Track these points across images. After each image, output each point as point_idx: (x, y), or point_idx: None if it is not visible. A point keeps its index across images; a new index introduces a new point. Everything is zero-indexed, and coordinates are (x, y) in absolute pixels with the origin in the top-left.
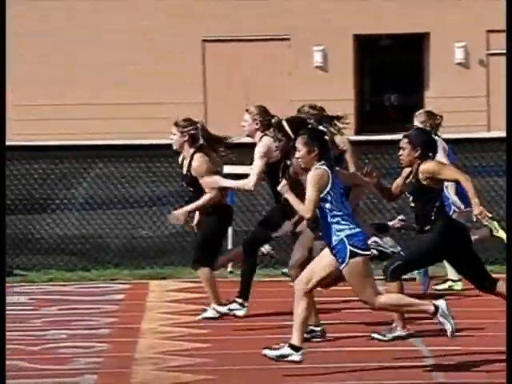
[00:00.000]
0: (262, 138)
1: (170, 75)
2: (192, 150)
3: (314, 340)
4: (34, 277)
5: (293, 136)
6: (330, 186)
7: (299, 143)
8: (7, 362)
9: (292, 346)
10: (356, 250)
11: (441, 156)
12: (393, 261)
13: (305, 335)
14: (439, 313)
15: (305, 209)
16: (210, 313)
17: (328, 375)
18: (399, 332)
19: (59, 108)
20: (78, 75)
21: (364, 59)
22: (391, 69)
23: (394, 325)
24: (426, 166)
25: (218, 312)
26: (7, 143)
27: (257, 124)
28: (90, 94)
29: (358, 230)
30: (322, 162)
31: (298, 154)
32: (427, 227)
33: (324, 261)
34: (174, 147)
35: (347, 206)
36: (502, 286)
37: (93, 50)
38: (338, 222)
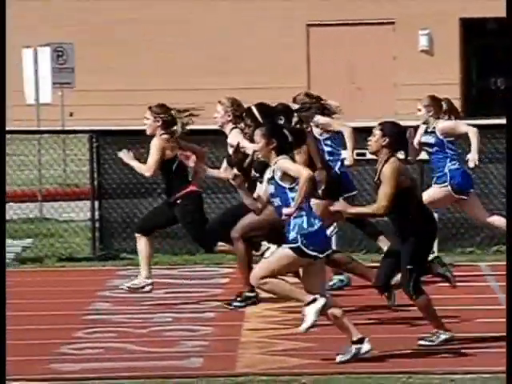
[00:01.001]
0: (232, 130)
1: (274, 60)
2: (163, 135)
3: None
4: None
5: (262, 122)
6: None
7: (257, 135)
8: (117, 345)
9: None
10: (303, 248)
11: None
12: (405, 279)
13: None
14: (314, 304)
15: (304, 174)
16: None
17: None
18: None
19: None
20: (197, 61)
21: (470, 43)
22: (497, 52)
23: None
24: (385, 169)
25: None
26: (114, 128)
27: (229, 116)
28: (216, 79)
29: (315, 228)
30: (284, 156)
31: (256, 147)
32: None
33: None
34: (148, 132)
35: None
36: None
37: (216, 38)
38: (299, 216)
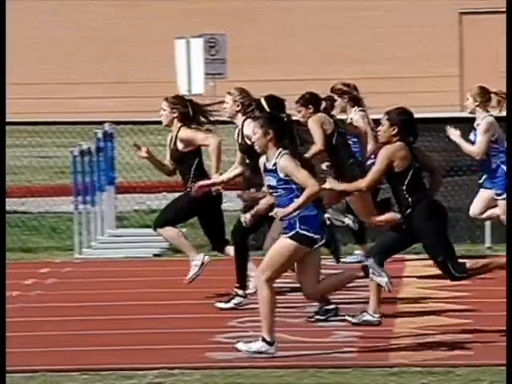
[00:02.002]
0: (244, 121)
1: (426, 48)
2: (179, 125)
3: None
4: None
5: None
6: None
7: (256, 126)
8: None
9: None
10: (302, 232)
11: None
12: (445, 271)
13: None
14: (262, 345)
15: (311, 189)
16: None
17: None
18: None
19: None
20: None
21: None
22: None
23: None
24: (384, 148)
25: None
26: None
27: (238, 106)
28: (370, 67)
29: (314, 212)
30: (282, 148)
31: (253, 137)
32: (408, 211)
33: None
34: (164, 123)
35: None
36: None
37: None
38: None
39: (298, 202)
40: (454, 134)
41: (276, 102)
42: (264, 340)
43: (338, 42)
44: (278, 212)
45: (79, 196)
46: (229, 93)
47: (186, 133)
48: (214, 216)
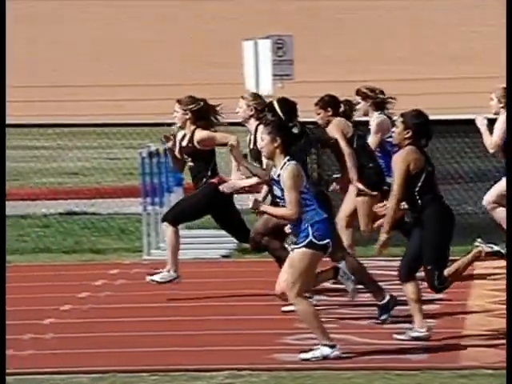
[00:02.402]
0: (258, 126)
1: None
2: (193, 127)
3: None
4: None
5: (283, 117)
6: (304, 179)
7: (263, 132)
8: (338, 336)
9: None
10: (315, 240)
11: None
12: (429, 278)
13: None
14: (323, 349)
15: (290, 212)
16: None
17: None
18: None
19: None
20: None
21: None
22: None
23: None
24: (397, 154)
25: None
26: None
27: (251, 110)
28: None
29: (324, 216)
30: (288, 158)
31: (261, 144)
32: (418, 214)
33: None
34: (177, 124)
35: (313, 193)
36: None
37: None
38: (307, 211)
39: (274, 210)
40: (481, 122)
41: (288, 106)
42: (325, 345)
43: (402, 42)
44: (254, 201)
45: (148, 197)
46: (242, 97)
47: (202, 134)
48: (229, 210)
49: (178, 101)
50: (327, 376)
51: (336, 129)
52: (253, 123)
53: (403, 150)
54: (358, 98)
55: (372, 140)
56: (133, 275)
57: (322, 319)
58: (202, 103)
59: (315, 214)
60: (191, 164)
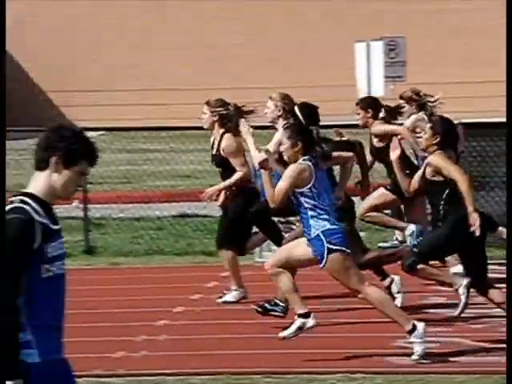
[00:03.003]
0: (223, 133)
1: None
2: (222, 131)
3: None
4: None
5: (304, 122)
6: (312, 181)
7: (284, 136)
8: (451, 339)
9: (300, 315)
10: (332, 246)
11: None
12: (408, 257)
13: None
14: (414, 334)
15: (272, 197)
16: (229, 297)
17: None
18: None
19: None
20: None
21: None
22: None
23: None
24: (432, 160)
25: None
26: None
27: (279, 111)
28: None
29: (335, 226)
30: (306, 158)
31: (282, 148)
32: (440, 221)
33: (301, 249)
34: (204, 126)
35: (330, 201)
36: (494, 294)
37: None
38: (317, 217)
39: (268, 182)
40: None
41: (309, 110)
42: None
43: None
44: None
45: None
46: (270, 97)
47: (230, 140)
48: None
49: (207, 102)
50: (440, 380)
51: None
52: (281, 124)
53: (438, 153)
54: (402, 102)
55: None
56: (245, 277)
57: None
58: (230, 107)
59: (327, 223)
60: (221, 173)
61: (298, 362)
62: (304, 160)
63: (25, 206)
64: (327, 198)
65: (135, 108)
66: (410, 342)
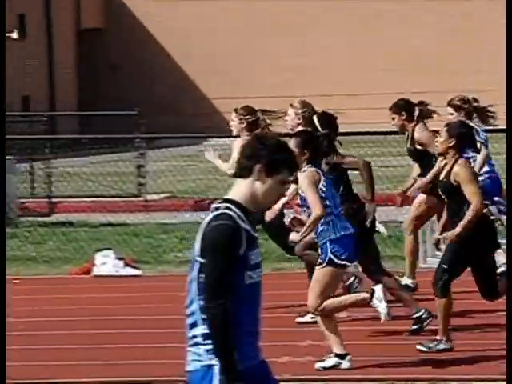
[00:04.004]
0: None
1: None
2: (247, 135)
3: None
4: None
5: (321, 131)
6: (320, 185)
7: (293, 145)
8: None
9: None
10: (334, 258)
11: None
12: (438, 277)
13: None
14: (374, 296)
15: (316, 213)
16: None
17: None
18: (443, 345)
19: None
20: None
21: None
22: None
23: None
24: (458, 171)
25: None
26: None
27: (299, 119)
28: None
29: (342, 233)
30: (310, 165)
31: None
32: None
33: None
34: (234, 133)
35: (337, 207)
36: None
37: None
38: (326, 224)
39: (305, 228)
40: None
41: (328, 120)
42: (338, 355)
43: None
44: (292, 237)
45: None
46: (291, 105)
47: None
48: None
49: (235, 110)
50: None
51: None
52: None
53: (460, 163)
54: (451, 110)
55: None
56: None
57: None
58: (258, 114)
59: (333, 230)
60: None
61: (404, 368)
62: (308, 167)
63: (231, 213)
64: (335, 204)
65: None
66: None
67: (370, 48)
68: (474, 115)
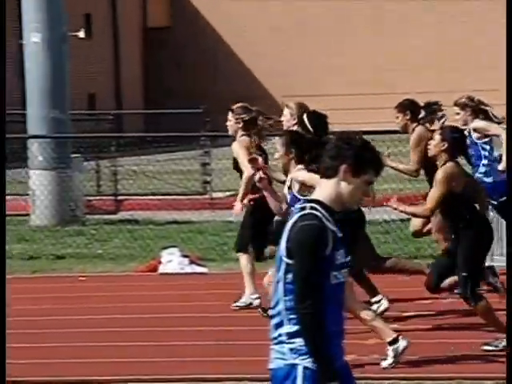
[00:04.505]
0: None
1: None
2: (242, 134)
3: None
4: None
5: (312, 131)
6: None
7: (279, 144)
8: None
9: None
10: None
11: None
12: (462, 287)
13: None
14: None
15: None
16: (242, 302)
17: None
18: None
19: None
20: None
21: None
22: None
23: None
24: (438, 171)
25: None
26: None
27: (294, 119)
28: None
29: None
30: (300, 167)
31: (276, 154)
32: (463, 228)
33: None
34: (229, 132)
35: None
36: None
37: None
38: None
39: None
40: None
41: (318, 119)
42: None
43: None
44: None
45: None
46: (287, 106)
47: (247, 141)
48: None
49: (231, 109)
50: None
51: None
52: None
53: (446, 167)
54: (457, 109)
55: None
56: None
57: None
58: (254, 113)
59: None
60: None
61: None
62: (299, 169)
63: (317, 213)
64: None
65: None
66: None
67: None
68: (481, 116)
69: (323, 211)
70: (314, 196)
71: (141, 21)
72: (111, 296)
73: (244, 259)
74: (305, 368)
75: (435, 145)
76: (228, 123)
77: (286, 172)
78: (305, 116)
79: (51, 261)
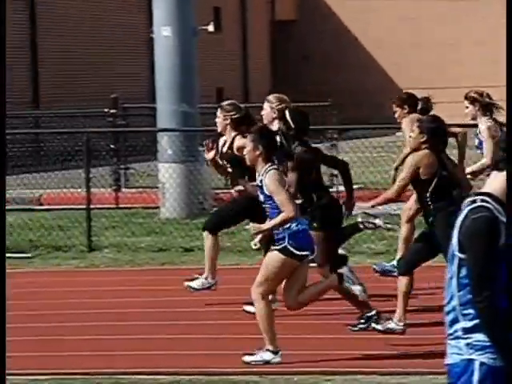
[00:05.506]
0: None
1: None
2: (234, 133)
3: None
4: None
5: (293, 126)
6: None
7: (248, 139)
8: None
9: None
10: (290, 248)
11: None
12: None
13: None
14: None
15: (287, 213)
16: (196, 283)
17: None
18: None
19: None
20: None
21: None
22: None
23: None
24: (409, 157)
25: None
26: None
27: (274, 113)
28: None
29: (302, 227)
30: (270, 164)
31: (245, 151)
32: (430, 219)
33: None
34: (218, 130)
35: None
36: None
37: None
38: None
39: (271, 223)
40: None
41: (300, 115)
42: (268, 350)
43: None
44: (252, 227)
45: None
46: (267, 99)
47: (241, 142)
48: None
49: (220, 106)
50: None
51: (407, 126)
52: (276, 125)
53: (418, 153)
54: (467, 103)
55: (487, 146)
56: None
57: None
58: (243, 111)
59: (295, 224)
60: (230, 170)
61: None
62: (270, 167)
63: (488, 205)
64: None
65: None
66: (256, 357)
67: None
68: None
69: (494, 203)
70: (485, 189)
71: (269, 14)
72: (239, 288)
73: (210, 240)
74: (481, 363)
75: (414, 137)
76: (217, 120)
77: (253, 168)
78: (287, 111)
79: (180, 253)
